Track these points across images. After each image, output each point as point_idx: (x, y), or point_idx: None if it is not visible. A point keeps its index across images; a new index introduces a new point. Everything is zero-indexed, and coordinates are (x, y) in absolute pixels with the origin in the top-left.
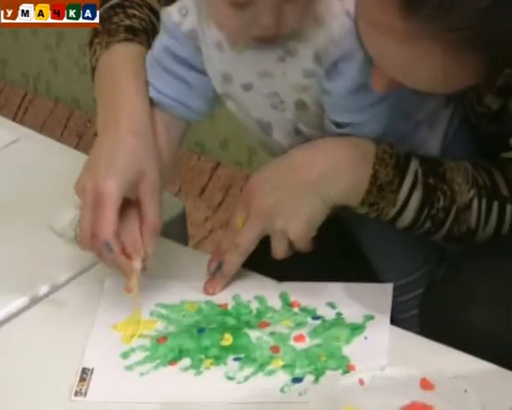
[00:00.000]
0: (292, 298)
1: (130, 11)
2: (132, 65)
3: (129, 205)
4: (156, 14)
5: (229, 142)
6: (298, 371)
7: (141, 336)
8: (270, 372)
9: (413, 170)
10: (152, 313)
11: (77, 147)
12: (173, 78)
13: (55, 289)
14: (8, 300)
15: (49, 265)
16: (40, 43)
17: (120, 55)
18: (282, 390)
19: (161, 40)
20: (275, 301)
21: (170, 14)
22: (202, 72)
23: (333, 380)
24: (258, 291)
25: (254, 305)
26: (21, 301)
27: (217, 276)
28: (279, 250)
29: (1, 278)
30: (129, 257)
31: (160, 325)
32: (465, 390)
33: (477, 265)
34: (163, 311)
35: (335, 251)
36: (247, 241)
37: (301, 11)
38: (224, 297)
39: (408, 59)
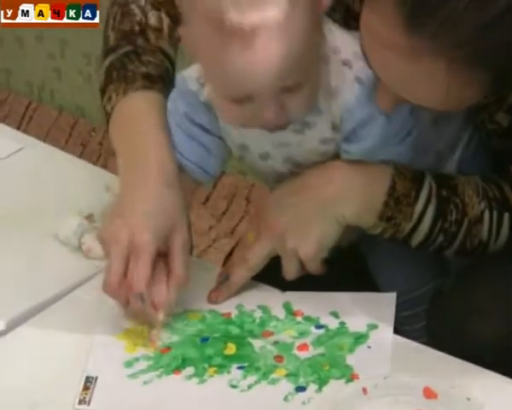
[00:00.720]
0: (295, 307)
1: (145, 58)
2: (155, 115)
3: (157, 255)
4: (169, 57)
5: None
6: (301, 380)
7: (144, 345)
8: (274, 381)
9: (428, 183)
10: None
11: (81, 156)
12: (193, 141)
13: (58, 297)
14: (12, 308)
15: (53, 273)
16: (44, 52)
17: (142, 104)
18: (285, 399)
19: (180, 106)
20: (278, 311)
21: (187, 80)
22: (219, 136)
23: (336, 389)
24: (262, 301)
25: (258, 314)
26: (25, 308)
27: (222, 286)
28: (290, 271)
29: (5, 286)
30: (154, 308)
31: (163, 335)
32: (468, 399)
33: (482, 277)
34: (166, 320)
35: (341, 268)
36: (256, 257)
37: (306, 97)
38: (228, 306)
39: (412, 74)
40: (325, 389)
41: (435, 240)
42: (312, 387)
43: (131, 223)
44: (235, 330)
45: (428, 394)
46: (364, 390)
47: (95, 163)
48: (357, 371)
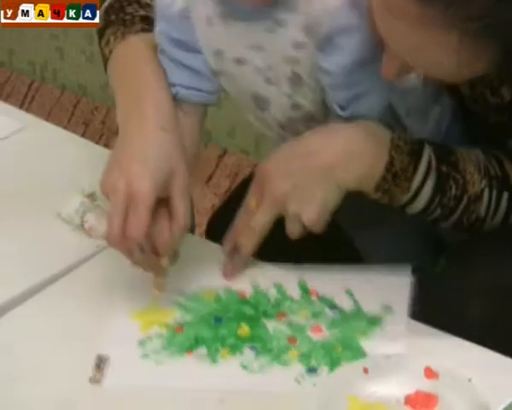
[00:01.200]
0: (310, 286)
1: (144, 1)
2: (153, 57)
3: (158, 201)
4: None
5: (236, 130)
6: (313, 362)
7: (158, 324)
8: (286, 362)
9: (427, 157)
10: (169, 302)
11: (83, 135)
12: (178, 65)
13: (60, 275)
14: (15, 286)
15: (55, 251)
16: (47, 32)
17: (140, 47)
18: (296, 380)
19: (159, 26)
20: (293, 290)
21: None
22: (199, 53)
23: (339, 368)
24: (277, 279)
25: (273, 294)
26: (27, 287)
27: (234, 259)
28: (293, 232)
29: (9, 264)
30: (158, 255)
31: (177, 315)
32: (469, 379)
33: (477, 256)
34: (181, 299)
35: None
36: (261, 224)
37: None
38: (244, 285)
39: (423, 45)
40: (337, 371)
41: (432, 213)
42: (324, 369)
43: (129, 171)
44: (249, 311)
45: (429, 374)
46: (365, 370)
47: (97, 142)
48: (371, 354)
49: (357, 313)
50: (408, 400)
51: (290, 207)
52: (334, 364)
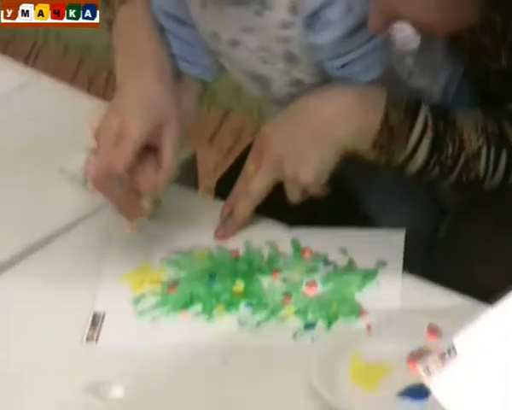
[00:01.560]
0: (303, 244)
1: None
2: (154, 15)
3: (147, 152)
4: None
5: (240, 91)
6: (310, 318)
7: (151, 282)
8: (283, 318)
9: (423, 115)
10: (162, 260)
11: (88, 91)
12: (174, 38)
13: (65, 230)
14: (18, 241)
15: (59, 207)
16: None
17: (140, 7)
18: (294, 336)
19: (155, 1)
20: (286, 247)
21: None
22: (194, 27)
23: (342, 326)
24: (270, 237)
25: (266, 251)
26: (31, 242)
27: (228, 222)
28: (293, 196)
29: (12, 220)
30: (135, 196)
31: (170, 272)
32: None
33: (481, 219)
34: (174, 257)
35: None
36: (258, 188)
37: None
38: (236, 243)
39: None
40: (334, 326)
41: (430, 172)
42: (321, 324)
43: (122, 112)
44: (243, 267)
45: (432, 332)
46: (368, 328)
47: (102, 98)
48: (367, 309)
49: (352, 268)
50: (411, 357)
51: (287, 170)
52: (331, 319)
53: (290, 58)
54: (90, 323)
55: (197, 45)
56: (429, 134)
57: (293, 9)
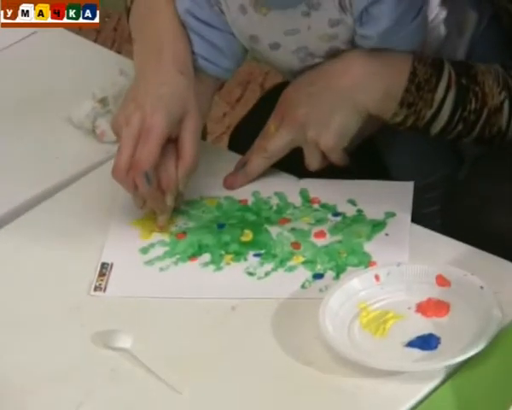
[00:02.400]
0: (312, 195)
1: None
2: (173, 4)
3: (167, 142)
4: None
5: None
6: (319, 268)
7: (160, 231)
8: (291, 268)
9: (447, 69)
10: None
11: (95, 41)
12: (198, 37)
13: (72, 180)
14: (25, 190)
15: (66, 156)
16: None
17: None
18: (302, 286)
19: (184, 3)
20: (295, 198)
21: None
22: (225, 31)
23: (349, 276)
24: (278, 188)
25: (274, 201)
26: (38, 192)
27: (239, 173)
28: (312, 162)
29: (18, 169)
30: (162, 193)
31: (179, 221)
32: (481, 287)
33: (499, 167)
34: (182, 206)
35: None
36: (275, 147)
37: None
38: (244, 193)
39: None
40: (342, 276)
41: (454, 128)
42: (330, 274)
43: (144, 106)
44: (251, 217)
45: (441, 281)
46: (377, 277)
47: (109, 48)
48: (375, 259)
49: (361, 218)
50: (419, 307)
51: (308, 132)
52: (339, 269)
53: (334, 52)
54: (98, 272)
55: (220, 47)
56: (453, 89)
57: (343, 7)
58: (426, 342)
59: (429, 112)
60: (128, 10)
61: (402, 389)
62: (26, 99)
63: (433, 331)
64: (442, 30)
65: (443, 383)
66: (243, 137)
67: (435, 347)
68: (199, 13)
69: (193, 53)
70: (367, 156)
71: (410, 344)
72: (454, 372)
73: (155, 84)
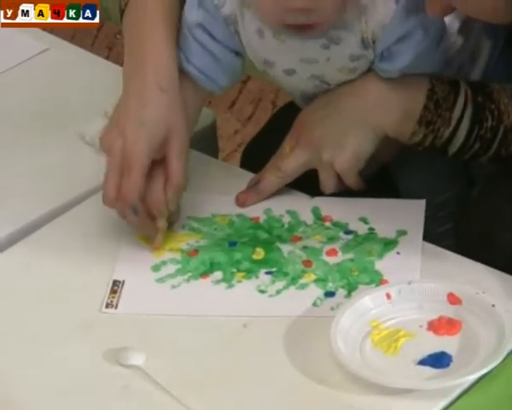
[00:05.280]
0: (324, 213)
1: None
2: (161, 11)
3: (154, 162)
4: None
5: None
6: (330, 286)
7: (171, 249)
8: (303, 286)
9: (463, 88)
10: (183, 227)
11: (107, 58)
12: (203, 50)
13: (84, 197)
14: (37, 207)
15: (78, 173)
16: None
17: (153, 4)
18: (314, 304)
19: (197, 16)
20: (307, 216)
21: None
22: (232, 50)
23: (361, 294)
24: (290, 206)
25: (286, 219)
26: (50, 209)
27: (252, 190)
28: (327, 184)
29: (30, 186)
30: (153, 218)
31: (191, 239)
32: (493, 305)
33: (510, 187)
34: (194, 224)
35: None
36: (289, 167)
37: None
38: (256, 211)
39: None
40: (354, 294)
41: (472, 147)
42: (341, 292)
43: (125, 132)
44: (263, 235)
45: (453, 300)
46: (388, 296)
47: (121, 66)
48: (387, 278)
49: (372, 236)
50: (431, 325)
51: (323, 154)
52: (351, 287)
53: (349, 82)
54: (109, 289)
55: (221, 62)
56: (470, 107)
57: (365, 44)
58: (438, 360)
59: (447, 130)
60: (122, 12)
61: (414, 407)
62: (39, 116)
63: (445, 350)
64: (457, 58)
65: (455, 401)
66: (255, 156)
67: (447, 365)
68: (211, 28)
69: (188, 63)
70: (378, 177)
71: (422, 362)
72: (466, 391)
73: (137, 107)
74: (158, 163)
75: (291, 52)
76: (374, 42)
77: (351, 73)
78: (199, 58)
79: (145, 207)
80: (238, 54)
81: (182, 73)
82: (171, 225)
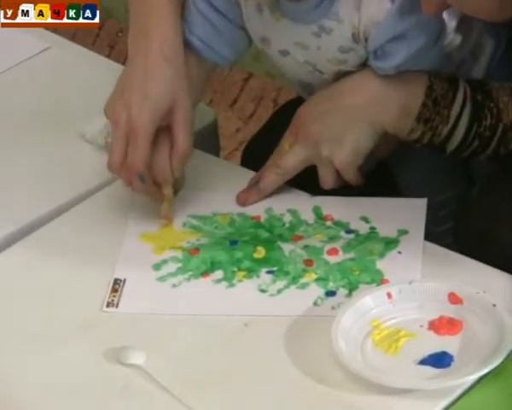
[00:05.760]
0: (325, 212)
1: None
2: None
3: (159, 130)
4: None
5: (262, 53)
6: (331, 285)
7: (172, 247)
8: (304, 286)
9: (462, 86)
10: (184, 225)
11: (109, 57)
12: (204, 20)
13: (84, 196)
14: (38, 206)
15: (79, 172)
16: None
17: None
18: (315, 303)
19: None
20: (307, 215)
21: None
22: (234, 23)
23: (362, 294)
24: (291, 205)
25: (287, 218)
26: (51, 207)
27: (252, 189)
28: (326, 180)
29: (31, 185)
30: (159, 186)
31: (192, 237)
32: (493, 305)
33: (509, 185)
34: (195, 222)
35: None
36: (288, 164)
37: None
38: (257, 210)
39: None
40: (355, 293)
41: (470, 145)
42: (342, 292)
43: (130, 105)
44: (264, 234)
45: (454, 299)
46: (389, 295)
47: (122, 64)
48: (388, 277)
49: (373, 235)
50: (432, 325)
51: (322, 150)
52: (352, 287)
53: (342, 74)
54: (110, 288)
55: (223, 34)
56: (468, 105)
57: (356, 38)
58: (439, 360)
59: (446, 128)
60: None
61: (415, 407)
62: (40, 115)
63: (446, 349)
64: (456, 56)
65: (456, 401)
66: (256, 154)
67: (448, 365)
68: (215, 1)
69: (191, 34)
70: (378, 176)
71: (423, 362)
72: (467, 390)
73: (142, 79)
74: (163, 130)
75: (285, 31)
76: (366, 39)
77: (341, 64)
78: (201, 29)
79: (150, 175)
80: (241, 27)
81: (186, 45)
82: (176, 192)
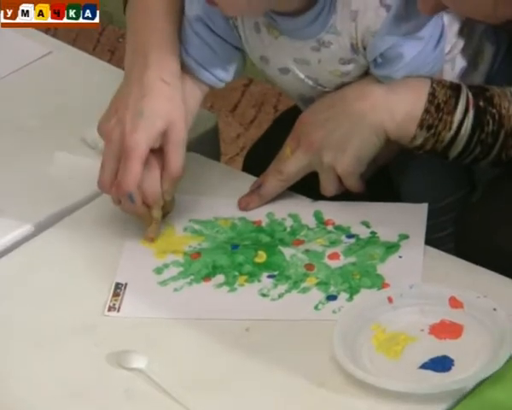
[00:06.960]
0: (326, 216)
1: None
2: (164, 2)
3: (151, 150)
4: None
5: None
6: (332, 289)
7: (174, 251)
8: (305, 290)
9: (465, 92)
10: (185, 229)
11: (109, 62)
12: (202, 43)
13: (85, 201)
14: (39, 211)
15: (80, 177)
16: None
17: None
18: (316, 308)
19: (197, 9)
20: (309, 220)
21: None
22: (230, 44)
23: (364, 298)
24: (292, 209)
25: (288, 222)
26: (52, 212)
27: (254, 194)
28: (328, 187)
29: (33, 189)
30: (148, 206)
31: (193, 241)
32: (494, 309)
33: (510, 191)
34: (196, 227)
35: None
36: (290, 170)
37: None
38: (258, 214)
39: None
40: (356, 298)
41: (472, 151)
42: (343, 296)
43: (123, 121)
44: (265, 238)
45: (454, 303)
46: (390, 299)
47: (123, 70)
48: (389, 281)
49: (374, 240)
50: (432, 329)
51: (325, 156)
52: (353, 291)
53: (344, 85)
54: (112, 292)
55: (220, 56)
56: (471, 111)
57: (355, 49)
58: (440, 364)
59: (448, 134)
60: (125, 3)
61: None
62: (41, 119)
63: (447, 353)
64: (458, 62)
65: (456, 404)
66: (257, 160)
67: (449, 369)
68: (210, 21)
69: (187, 55)
70: (380, 182)
71: (424, 366)
72: (468, 394)
73: (137, 97)
74: (155, 152)
75: (284, 49)
76: (365, 48)
77: (343, 77)
78: (197, 51)
79: (140, 196)
80: (237, 48)
81: (183, 65)
82: (164, 215)
